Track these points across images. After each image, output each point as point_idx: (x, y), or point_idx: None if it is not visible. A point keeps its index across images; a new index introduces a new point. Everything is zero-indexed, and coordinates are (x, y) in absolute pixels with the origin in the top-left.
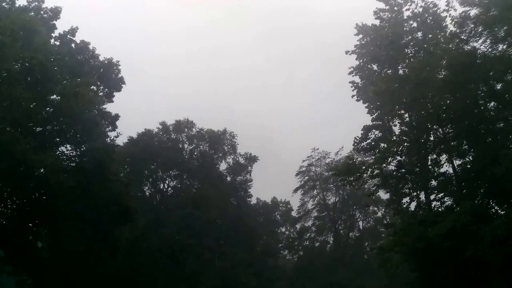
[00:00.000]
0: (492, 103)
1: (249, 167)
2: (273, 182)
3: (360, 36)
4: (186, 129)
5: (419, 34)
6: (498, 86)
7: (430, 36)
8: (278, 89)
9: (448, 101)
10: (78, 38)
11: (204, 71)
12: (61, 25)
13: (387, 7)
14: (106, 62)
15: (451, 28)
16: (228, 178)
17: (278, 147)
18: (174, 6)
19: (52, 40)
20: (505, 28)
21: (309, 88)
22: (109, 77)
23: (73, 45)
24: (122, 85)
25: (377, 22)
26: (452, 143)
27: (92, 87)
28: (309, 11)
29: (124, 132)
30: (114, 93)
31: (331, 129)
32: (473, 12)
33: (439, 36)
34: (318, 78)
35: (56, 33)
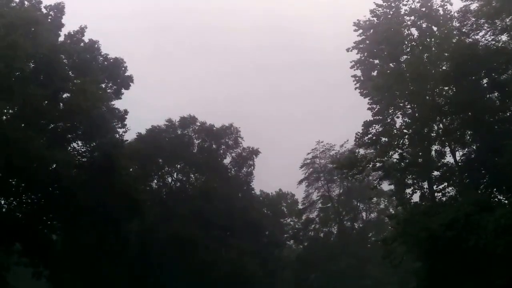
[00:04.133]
0: (495, 94)
1: (252, 161)
2: (279, 174)
3: (360, 31)
4: (191, 125)
5: (414, 29)
6: (501, 78)
7: (427, 31)
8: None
9: (451, 93)
10: (86, 37)
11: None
12: (67, 21)
13: (385, 4)
14: (113, 60)
15: (449, 22)
16: (233, 171)
17: (283, 140)
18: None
19: (61, 38)
20: (507, 20)
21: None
22: (117, 76)
23: (82, 44)
24: (130, 83)
25: (374, 19)
26: (455, 134)
27: (101, 85)
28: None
29: (133, 128)
30: (123, 91)
31: (338, 121)
32: (474, 6)
33: (435, 31)
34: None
35: (63, 30)
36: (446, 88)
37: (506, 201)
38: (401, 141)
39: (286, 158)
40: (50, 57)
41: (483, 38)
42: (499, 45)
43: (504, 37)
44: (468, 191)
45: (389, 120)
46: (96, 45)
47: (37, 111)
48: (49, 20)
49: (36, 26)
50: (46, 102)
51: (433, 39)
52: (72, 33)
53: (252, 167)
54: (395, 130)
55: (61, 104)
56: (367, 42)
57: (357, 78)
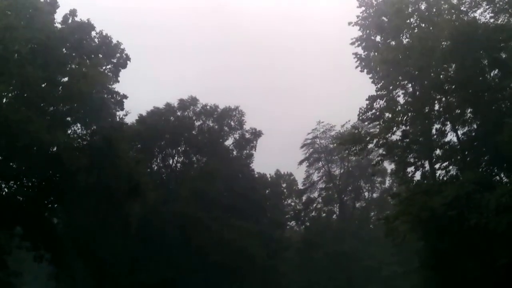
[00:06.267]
0: (495, 72)
1: (254, 142)
2: (274, 155)
3: (363, 8)
4: (191, 106)
5: (423, 6)
6: (501, 55)
7: (434, 9)
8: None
9: (452, 70)
10: (79, 18)
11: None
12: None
13: None
14: (108, 39)
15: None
16: (234, 153)
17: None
18: None
19: (59, 20)
20: None
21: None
22: (113, 54)
23: (76, 25)
24: (127, 61)
25: None
26: (456, 111)
27: (100, 68)
28: None
29: (133, 110)
30: (120, 70)
31: (334, 102)
32: None
33: (445, 6)
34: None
35: (59, 10)
36: (448, 65)
37: (507, 180)
38: (405, 118)
39: (282, 138)
40: (47, 40)
41: (482, 16)
42: (498, 22)
43: (504, 15)
44: (469, 169)
45: (392, 95)
46: (90, 24)
47: (37, 93)
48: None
49: (33, 10)
50: (45, 84)
51: (441, 15)
52: (64, 15)
53: (254, 149)
54: (399, 107)
55: (60, 87)
56: (371, 17)
57: (358, 56)
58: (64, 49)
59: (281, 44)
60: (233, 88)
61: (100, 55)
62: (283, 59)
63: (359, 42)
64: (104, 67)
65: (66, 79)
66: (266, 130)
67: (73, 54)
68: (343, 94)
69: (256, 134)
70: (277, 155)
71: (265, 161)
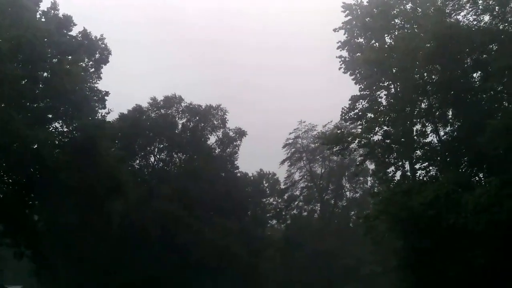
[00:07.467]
0: (477, 73)
1: (238, 141)
2: (259, 155)
3: (347, 12)
4: (175, 104)
5: (409, 6)
6: (483, 57)
7: (419, 9)
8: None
9: (434, 72)
10: (61, 12)
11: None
12: None
13: None
14: (89, 35)
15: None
16: (217, 151)
17: (264, 119)
18: None
19: (38, 15)
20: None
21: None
22: (94, 50)
23: (57, 20)
24: (109, 56)
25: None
26: (438, 112)
27: (81, 63)
28: None
29: (115, 108)
30: (102, 66)
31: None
32: None
33: (431, 9)
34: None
35: (42, 6)
36: (431, 67)
37: (485, 180)
38: (387, 118)
39: (267, 139)
40: (32, 38)
41: (465, 18)
42: (481, 24)
43: (486, 17)
44: (449, 170)
45: (375, 96)
46: (72, 20)
47: (17, 90)
48: None
49: (17, 8)
50: (26, 81)
51: (425, 16)
52: (46, 10)
53: (238, 148)
54: (381, 107)
55: (41, 84)
56: (356, 20)
57: (343, 59)
58: (46, 45)
59: (269, 43)
60: (218, 90)
61: (81, 51)
62: (270, 59)
63: (344, 46)
64: (84, 63)
65: (47, 75)
66: (252, 132)
67: (54, 51)
68: (326, 93)
69: (240, 133)
70: (263, 157)
71: (251, 163)
